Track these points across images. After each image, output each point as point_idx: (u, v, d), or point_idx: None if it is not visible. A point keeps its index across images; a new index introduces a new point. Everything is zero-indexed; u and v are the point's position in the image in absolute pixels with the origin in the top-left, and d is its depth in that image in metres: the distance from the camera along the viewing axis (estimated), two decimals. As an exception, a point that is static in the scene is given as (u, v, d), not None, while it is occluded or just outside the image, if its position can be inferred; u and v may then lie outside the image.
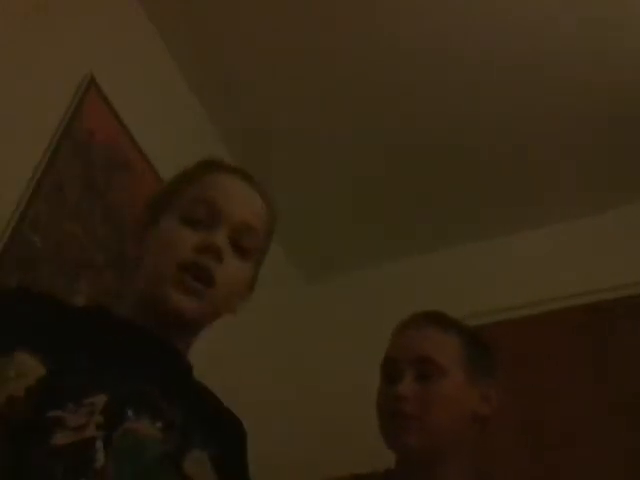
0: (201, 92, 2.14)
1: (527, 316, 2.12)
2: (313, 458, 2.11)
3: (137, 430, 0.74)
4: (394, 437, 1.13)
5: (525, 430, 1.89)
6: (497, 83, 2.05)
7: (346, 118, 2.18)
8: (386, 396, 1.16)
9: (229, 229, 0.91)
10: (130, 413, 0.75)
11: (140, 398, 0.77)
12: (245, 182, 0.98)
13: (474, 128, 2.16)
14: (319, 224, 2.48)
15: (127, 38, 1.86)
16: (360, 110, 2.16)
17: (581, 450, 1.82)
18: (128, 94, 1.76)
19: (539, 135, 2.15)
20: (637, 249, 2.12)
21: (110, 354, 0.81)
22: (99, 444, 0.71)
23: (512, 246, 2.34)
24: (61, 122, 1.51)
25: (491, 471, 1.52)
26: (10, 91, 1.40)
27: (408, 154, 2.26)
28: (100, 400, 0.74)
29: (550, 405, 1.94)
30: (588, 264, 2.16)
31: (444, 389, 1.13)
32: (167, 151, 1.80)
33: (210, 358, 1.84)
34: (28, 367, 0.73)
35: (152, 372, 0.82)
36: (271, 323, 2.25)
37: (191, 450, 0.79)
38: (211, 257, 0.87)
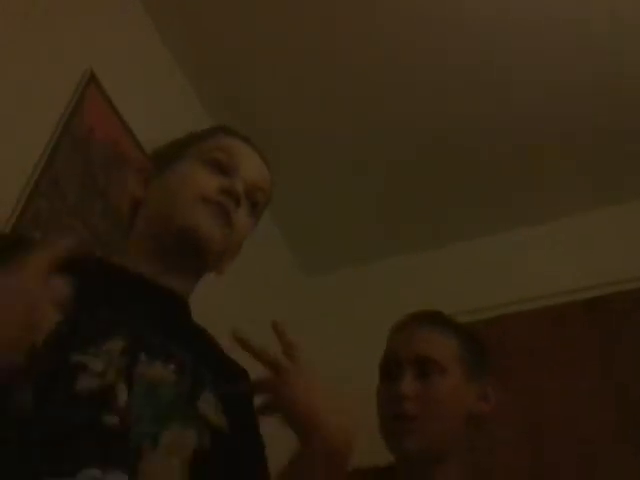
0: (200, 89, 2.14)
1: (529, 311, 2.12)
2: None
3: (152, 374, 0.77)
4: (395, 440, 1.14)
5: (526, 427, 1.89)
6: (497, 83, 2.06)
7: (346, 116, 2.18)
8: (388, 396, 1.17)
9: (244, 183, 0.95)
10: (143, 357, 0.77)
11: (151, 343, 0.79)
12: (256, 152, 1.02)
13: (474, 128, 2.16)
14: (320, 218, 2.48)
15: (127, 35, 1.86)
16: (360, 109, 2.16)
17: (583, 448, 1.82)
18: (128, 90, 1.76)
19: (539, 135, 2.16)
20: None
21: (117, 302, 0.82)
22: (121, 387, 0.73)
23: (512, 243, 2.34)
24: (61, 118, 1.51)
25: (491, 468, 1.52)
26: (10, 88, 1.40)
27: (408, 152, 2.26)
28: (117, 345, 0.75)
29: (552, 402, 1.93)
30: (589, 259, 2.16)
31: (444, 386, 1.15)
32: (167, 148, 1.80)
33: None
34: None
35: (159, 318, 0.84)
36: (271, 315, 2.24)
37: (203, 391, 0.81)
38: (232, 200, 0.91)
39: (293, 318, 2.38)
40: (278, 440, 0.90)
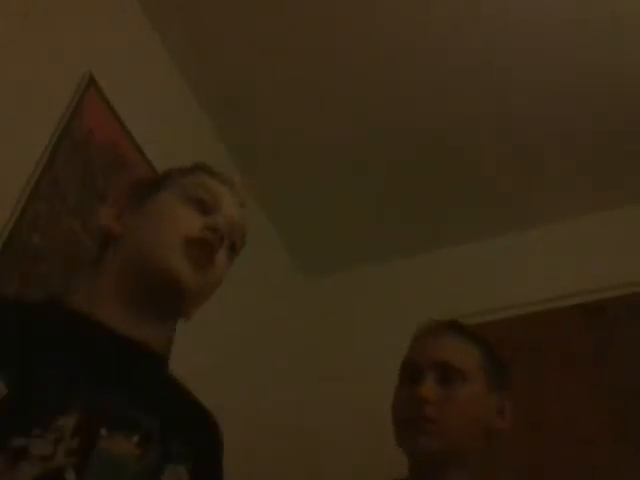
0: (200, 92, 2.14)
1: (525, 314, 2.12)
2: (312, 452, 2.11)
3: (112, 449, 0.70)
4: (411, 441, 1.14)
5: (526, 428, 1.89)
6: (497, 83, 2.05)
7: (346, 116, 2.18)
8: (407, 398, 1.16)
9: (225, 222, 0.92)
10: (104, 432, 0.70)
11: (113, 412, 0.73)
12: (235, 195, 0.99)
13: (474, 128, 2.16)
14: (319, 220, 2.48)
15: (126, 37, 1.86)
16: (360, 109, 2.16)
17: (580, 448, 1.82)
18: (127, 93, 1.76)
19: (539, 135, 2.16)
20: (636, 249, 2.12)
21: (78, 363, 0.76)
22: (70, 474, 0.66)
23: (510, 245, 2.34)
24: (60, 121, 1.51)
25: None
26: (9, 90, 1.40)
27: (408, 153, 2.26)
28: (69, 422, 0.68)
29: (549, 404, 1.94)
30: (586, 263, 2.16)
31: (465, 394, 1.14)
32: (166, 150, 1.80)
33: (209, 353, 1.85)
34: None
35: (125, 378, 0.79)
36: (270, 317, 2.25)
37: (168, 464, 0.76)
38: (217, 237, 0.89)
39: (292, 320, 2.41)
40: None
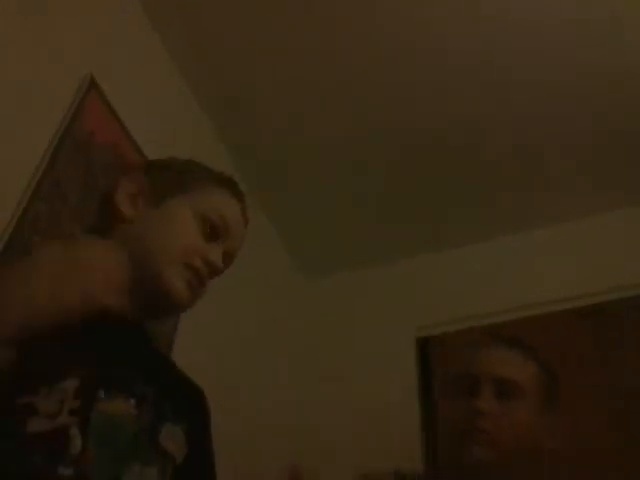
0: (200, 92, 2.14)
1: (525, 317, 2.12)
2: (312, 452, 2.11)
3: (111, 410, 0.75)
4: (464, 449, 1.14)
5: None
6: (497, 83, 2.05)
7: (346, 116, 2.18)
8: (464, 411, 1.17)
9: (226, 249, 0.99)
10: (102, 394, 0.75)
11: (111, 378, 0.78)
12: (245, 215, 1.05)
13: (474, 128, 2.16)
14: (318, 220, 2.49)
15: (127, 39, 1.86)
16: (360, 109, 2.16)
17: (580, 449, 1.82)
18: (127, 93, 1.76)
19: (539, 135, 2.16)
20: (636, 250, 2.12)
21: (78, 335, 0.81)
22: (74, 431, 0.71)
23: (510, 247, 2.35)
24: (61, 123, 1.51)
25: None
26: (11, 91, 1.40)
27: (408, 153, 2.26)
28: (71, 384, 0.74)
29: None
30: (587, 265, 2.16)
31: (522, 410, 1.16)
32: (167, 152, 1.79)
33: (209, 353, 1.85)
34: None
35: (120, 350, 0.84)
36: (270, 317, 2.26)
37: (165, 424, 0.80)
38: (210, 272, 0.96)
39: (292, 320, 2.41)
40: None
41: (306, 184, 2.39)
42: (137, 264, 0.91)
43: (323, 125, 2.22)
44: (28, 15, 1.50)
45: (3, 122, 1.36)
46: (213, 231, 0.97)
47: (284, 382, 2.23)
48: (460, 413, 1.18)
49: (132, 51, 1.88)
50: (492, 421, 1.13)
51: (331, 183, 2.38)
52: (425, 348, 2.30)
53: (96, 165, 1.59)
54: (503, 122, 2.14)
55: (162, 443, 0.79)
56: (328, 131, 2.23)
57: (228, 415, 1.58)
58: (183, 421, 0.83)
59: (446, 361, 2.15)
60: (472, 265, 2.34)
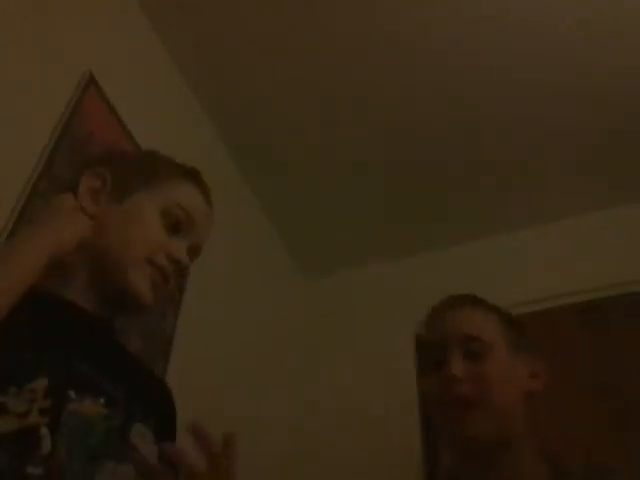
0: (200, 91, 2.14)
1: (523, 314, 2.11)
2: (312, 451, 2.11)
3: (82, 410, 0.75)
4: (457, 429, 1.08)
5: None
6: (497, 83, 2.06)
7: (346, 116, 2.18)
8: (437, 382, 1.11)
9: (191, 245, 0.97)
10: (72, 394, 0.75)
11: (81, 378, 0.77)
12: (209, 207, 1.02)
13: (474, 128, 2.16)
14: (318, 219, 2.49)
15: (126, 37, 1.86)
16: (360, 109, 2.16)
17: (578, 447, 1.82)
18: (127, 92, 1.76)
19: (539, 135, 2.16)
20: (636, 248, 2.12)
21: (47, 335, 0.80)
22: (44, 431, 0.71)
23: (509, 245, 2.35)
24: (60, 120, 1.51)
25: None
26: (10, 89, 1.41)
27: (408, 153, 2.26)
28: (41, 385, 0.73)
29: (547, 403, 1.94)
30: (584, 262, 2.16)
31: (494, 363, 1.10)
32: (166, 149, 1.79)
33: (209, 352, 1.85)
34: None
35: (90, 350, 0.83)
36: (269, 317, 2.26)
37: (135, 423, 0.80)
38: (176, 270, 0.94)
39: (291, 320, 2.41)
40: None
41: (306, 184, 2.39)
42: (103, 264, 0.89)
43: (323, 125, 2.22)
44: (28, 14, 1.51)
45: (2, 119, 1.36)
46: (177, 226, 0.94)
47: (284, 381, 2.23)
48: (436, 385, 1.12)
49: (132, 51, 1.88)
50: (471, 386, 1.07)
51: (331, 183, 2.38)
52: (425, 347, 2.29)
53: (95, 164, 1.59)
54: (503, 122, 2.14)
55: (133, 440, 0.79)
56: (328, 131, 2.23)
57: (227, 414, 1.58)
58: (152, 421, 0.83)
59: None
60: (471, 264, 2.34)
